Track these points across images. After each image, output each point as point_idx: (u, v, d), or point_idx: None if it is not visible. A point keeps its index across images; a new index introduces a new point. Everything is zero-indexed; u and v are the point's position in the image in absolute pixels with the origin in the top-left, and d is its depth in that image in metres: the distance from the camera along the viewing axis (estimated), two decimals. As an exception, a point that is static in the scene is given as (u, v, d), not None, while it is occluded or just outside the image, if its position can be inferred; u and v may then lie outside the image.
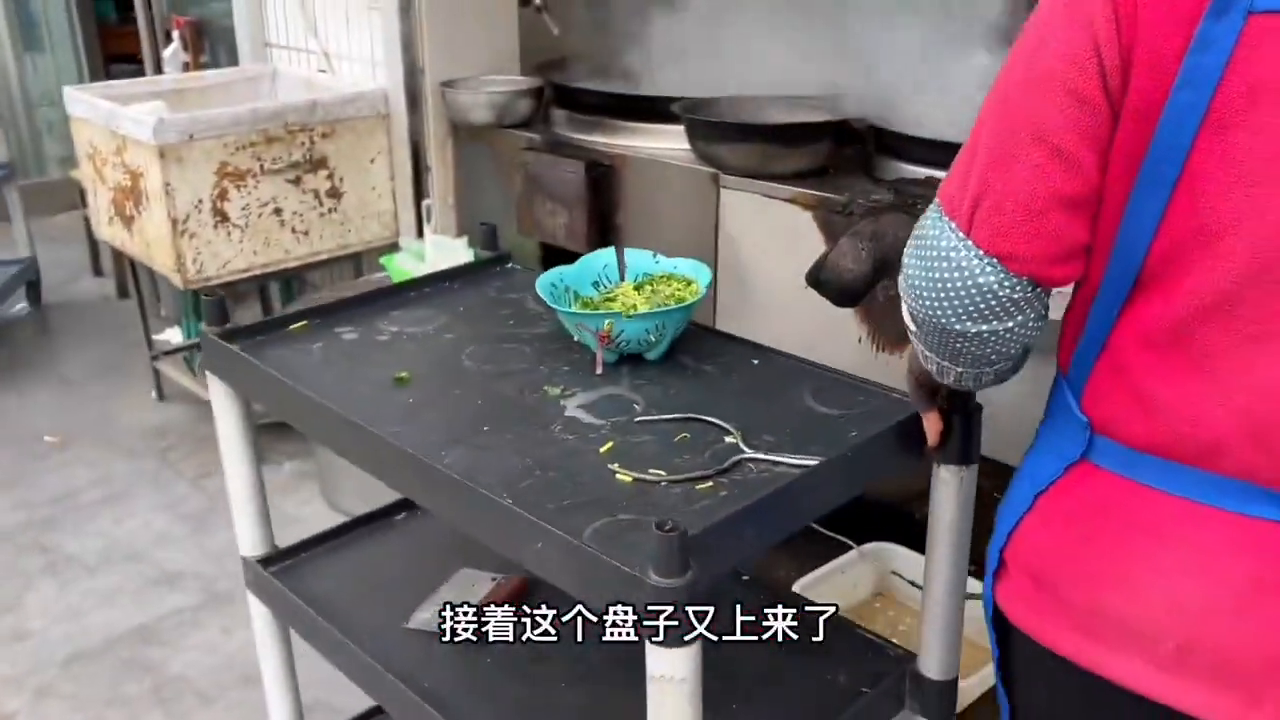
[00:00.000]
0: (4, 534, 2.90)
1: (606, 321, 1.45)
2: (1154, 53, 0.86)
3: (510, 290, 1.79)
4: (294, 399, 1.42)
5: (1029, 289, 0.95)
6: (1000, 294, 0.94)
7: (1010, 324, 0.96)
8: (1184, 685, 0.95)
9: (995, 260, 0.93)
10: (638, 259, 1.69)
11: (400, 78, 3.07)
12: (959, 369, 1.06)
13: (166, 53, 4.24)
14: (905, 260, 1.01)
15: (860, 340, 2.28)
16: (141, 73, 4.53)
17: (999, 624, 1.12)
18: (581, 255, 2.76)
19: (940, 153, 2.24)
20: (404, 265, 2.90)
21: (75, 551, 2.83)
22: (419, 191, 3.19)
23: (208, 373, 1.57)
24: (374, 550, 1.82)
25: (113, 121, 2.91)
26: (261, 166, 2.93)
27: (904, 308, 1.05)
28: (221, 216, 2.89)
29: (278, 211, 3.00)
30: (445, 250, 2.87)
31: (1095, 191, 0.92)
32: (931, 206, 1.00)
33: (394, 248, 3.25)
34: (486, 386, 1.45)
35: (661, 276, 1.67)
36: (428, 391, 1.43)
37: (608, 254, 1.70)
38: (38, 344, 4.14)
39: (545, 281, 1.57)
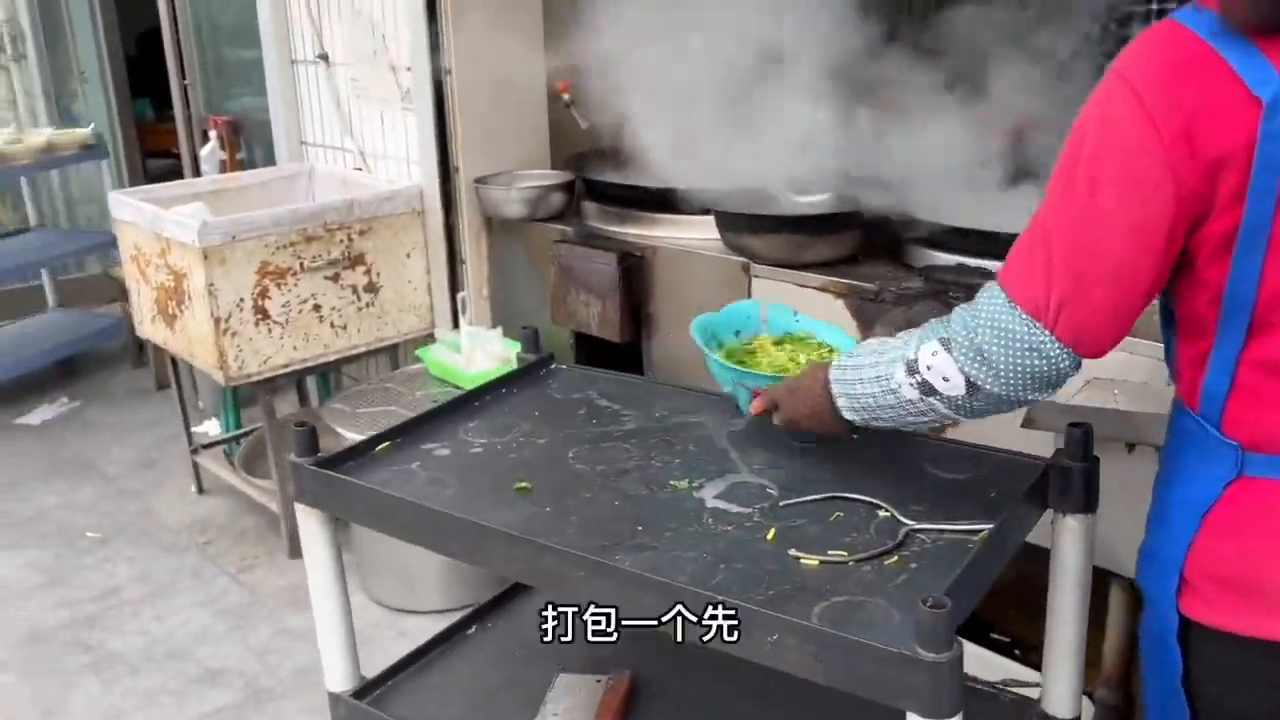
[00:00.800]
0: (48, 632, 2.93)
1: (767, 384, 1.51)
2: (1224, 166, 1.04)
3: (570, 389, 1.84)
4: (424, 520, 1.43)
5: (1078, 364, 1.17)
6: (1071, 373, 1.18)
7: (1063, 386, 1.20)
8: None
9: (1071, 349, 1.15)
10: (779, 314, 1.78)
11: (435, 175, 3.16)
12: (954, 419, 1.29)
13: (204, 151, 4.37)
14: (986, 350, 1.17)
15: (897, 426, 2.29)
16: (177, 166, 4.67)
17: (1185, 636, 1.22)
18: (615, 344, 2.84)
19: (968, 241, 2.29)
20: (440, 356, 2.95)
21: (118, 649, 2.84)
22: (454, 284, 3.26)
23: (300, 505, 1.57)
24: (461, 667, 1.81)
25: (157, 224, 3.00)
26: (301, 264, 3.00)
27: (956, 381, 1.21)
28: (262, 314, 2.96)
29: (317, 307, 3.07)
30: (480, 341, 2.92)
31: (1159, 287, 1.13)
32: (1001, 300, 1.17)
33: (429, 339, 3.30)
34: (612, 487, 1.48)
35: (801, 337, 1.72)
36: (556, 498, 1.46)
37: (751, 305, 1.77)
38: (78, 438, 4.20)
39: (699, 327, 1.67)
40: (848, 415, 1.35)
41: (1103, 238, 1.10)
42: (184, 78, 4.44)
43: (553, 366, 1.95)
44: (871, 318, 2.27)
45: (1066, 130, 1.15)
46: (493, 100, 3.13)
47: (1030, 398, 1.19)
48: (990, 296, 1.19)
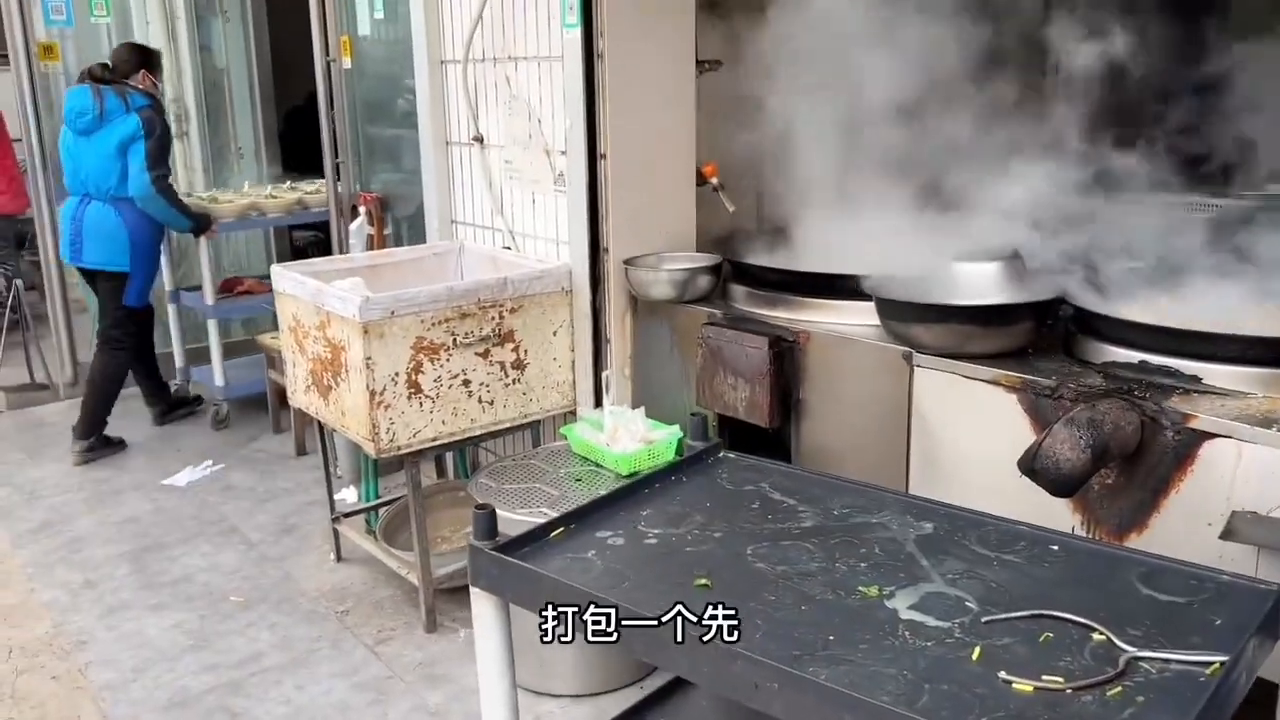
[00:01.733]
0: (194, 697, 2.97)
1: None
2: None
3: (741, 480, 1.81)
4: None
5: None
6: None
7: None
8: None
9: None
10: None
11: (584, 255, 3.19)
12: None
13: (353, 226, 4.52)
14: None
15: (1074, 529, 2.18)
16: (319, 238, 4.86)
17: None
18: (761, 429, 2.79)
19: (1149, 336, 2.19)
20: (584, 435, 2.94)
21: (260, 717, 2.87)
22: (598, 363, 3.27)
23: (475, 588, 1.56)
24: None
25: (319, 298, 3.10)
26: (454, 340, 3.05)
27: None
28: (415, 388, 3.01)
29: (466, 383, 3.11)
30: (623, 420, 2.90)
31: None
32: None
33: (571, 417, 3.31)
34: (796, 590, 1.45)
35: None
36: (739, 598, 1.42)
37: None
38: (222, 501, 4.33)
39: None
40: None
41: None
42: (336, 155, 4.62)
43: (720, 455, 1.91)
44: (1048, 416, 2.17)
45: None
46: (643, 183, 3.16)
47: None
48: None
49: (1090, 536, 2.15)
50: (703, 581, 1.46)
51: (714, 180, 3.30)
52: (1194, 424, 1.98)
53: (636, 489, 1.77)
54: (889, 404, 2.51)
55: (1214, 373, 2.09)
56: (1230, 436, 1.93)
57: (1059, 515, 2.18)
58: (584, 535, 1.62)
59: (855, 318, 2.67)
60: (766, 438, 2.89)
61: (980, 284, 2.51)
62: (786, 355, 2.75)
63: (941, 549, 1.53)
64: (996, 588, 1.41)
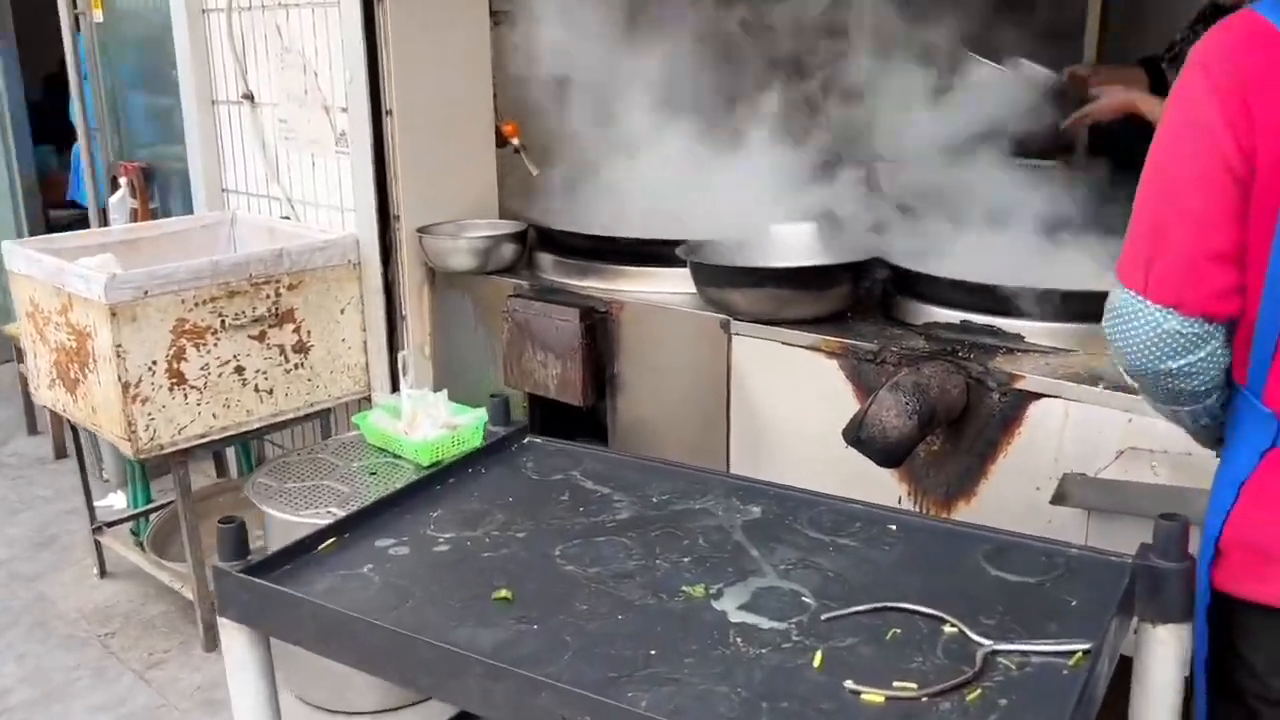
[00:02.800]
0: (-82, 749, 2.53)
1: None
2: (1270, 138, 1.14)
3: (549, 469, 1.59)
4: (380, 644, 1.15)
5: (1204, 324, 1.23)
6: (1184, 332, 1.23)
7: (1202, 354, 1.24)
8: None
9: (1171, 309, 1.22)
10: None
11: (373, 224, 2.89)
12: (1184, 408, 1.31)
13: (113, 199, 4.02)
14: (1108, 335, 1.29)
15: (900, 500, 2.07)
16: (83, 219, 4.31)
17: (1217, 608, 1.24)
18: (576, 408, 2.58)
19: (970, 295, 2.10)
20: (379, 423, 2.65)
21: (2, 767, 2.46)
22: (393, 343, 2.97)
23: (225, 621, 1.27)
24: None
25: (58, 278, 2.67)
26: (223, 323, 2.70)
27: (1125, 377, 1.34)
28: (178, 378, 2.64)
29: (239, 370, 2.76)
30: (423, 405, 2.63)
31: (1238, 245, 1.20)
32: (1113, 290, 1.29)
33: (366, 404, 3.01)
34: (612, 595, 1.23)
35: None
36: (545, 611, 1.20)
37: None
38: (-37, 515, 3.78)
39: None
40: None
41: (1172, 188, 1.22)
42: (91, 123, 4.10)
43: (526, 441, 1.69)
44: (872, 382, 2.06)
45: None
46: (436, 143, 2.88)
47: (1164, 366, 1.25)
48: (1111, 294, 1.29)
49: (923, 512, 2.05)
50: (503, 594, 1.23)
51: (515, 141, 3.05)
52: (1020, 384, 1.89)
53: (427, 486, 1.52)
54: (708, 376, 2.35)
55: (1036, 330, 2.02)
56: (1057, 396, 1.85)
57: (885, 486, 2.07)
58: (361, 545, 1.36)
59: (670, 285, 2.50)
60: (581, 417, 2.68)
61: (797, 246, 2.38)
62: (599, 327, 2.54)
63: (772, 535, 1.36)
64: (834, 577, 1.25)
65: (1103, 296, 1.96)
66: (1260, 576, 1.22)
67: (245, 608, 1.26)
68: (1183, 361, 1.25)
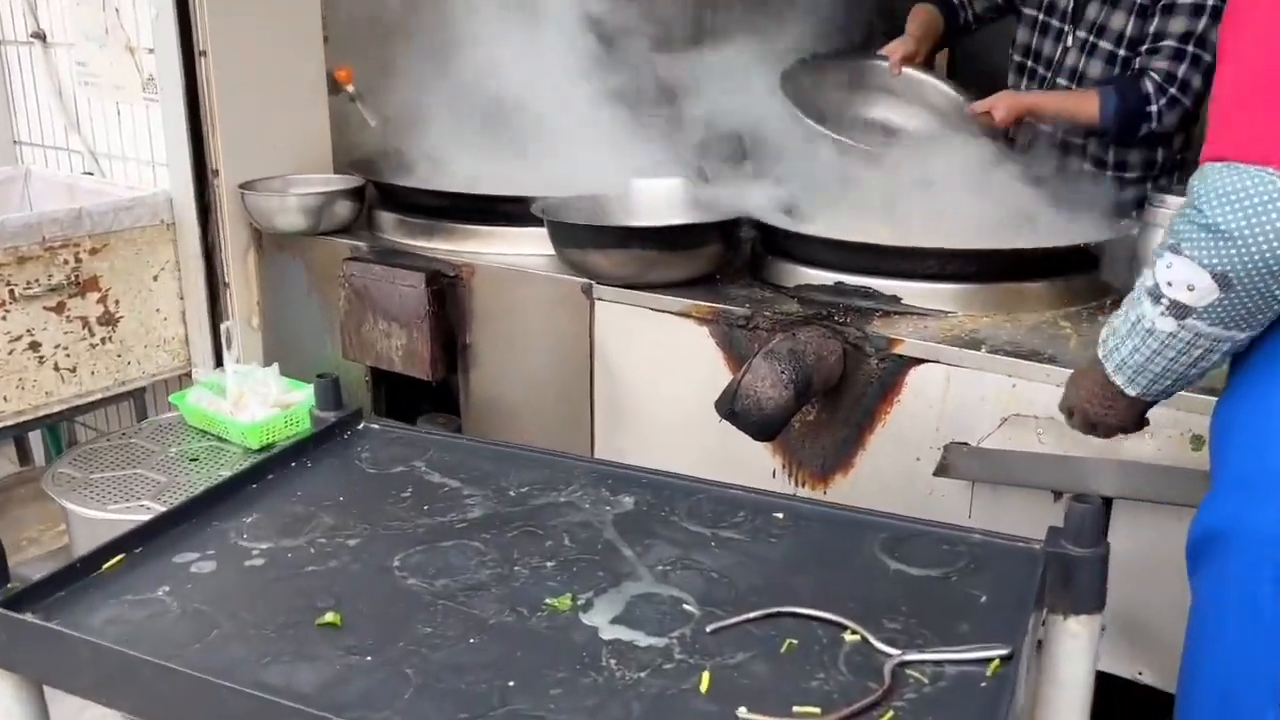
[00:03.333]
0: None
1: None
2: None
3: (388, 460, 1.38)
4: (175, 689, 0.93)
5: None
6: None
7: None
8: None
9: (1266, 167, 1.03)
10: None
11: (188, 179, 2.57)
12: (1240, 335, 1.13)
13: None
14: (1220, 225, 1.06)
15: (775, 474, 1.95)
16: None
17: None
18: (424, 382, 2.37)
19: (844, 254, 1.98)
20: (200, 403, 2.37)
21: None
22: (215, 313, 2.68)
23: None
24: None
25: None
26: (13, 293, 2.35)
27: (1204, 283, 1.10)
28: (-43, 358, 2.29)
29: (34, 346, 2.42)
30: (251, 382, 2.37)
31: None
32: (1216, 172, 1.08)
33: (186, 381, 2.70)
34: (462, 613, 1.04)
35: None
36: (381, 637, 1.00)
37: None
38: None
39: None
40: (1129, 390, 1.26)
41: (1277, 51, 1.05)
42: None
43: (361, 427, 1.47)
44: (744, 350, 1.92)
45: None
46: (259, 88, 2.58)
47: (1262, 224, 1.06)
48: (1202, 178, 1.10)
49: (799, 484, 1.93)
50: (330, 618, 1.03)
51: (350, 88, 2.77)
52: (899, 349, 1.79)
53: (240, 485, 1.29)
54: (569, 345, 2.17)
55: (914, 291, 1.91)
56: (937, 361, 1.75)
57: (759, 460, 1.95)
58: (156, 562, 1.13)
59: (526, 246, 2.30)
60: (431, 392, 2.47)
61: (662, 204, 2.21)
62: (448, 293, 2.33)
63: (647, 530, 1.20)
64: (719, 579, 1.10)
65: (982, 255, 1.91)
66: None
67: (6, 650, 1.02)
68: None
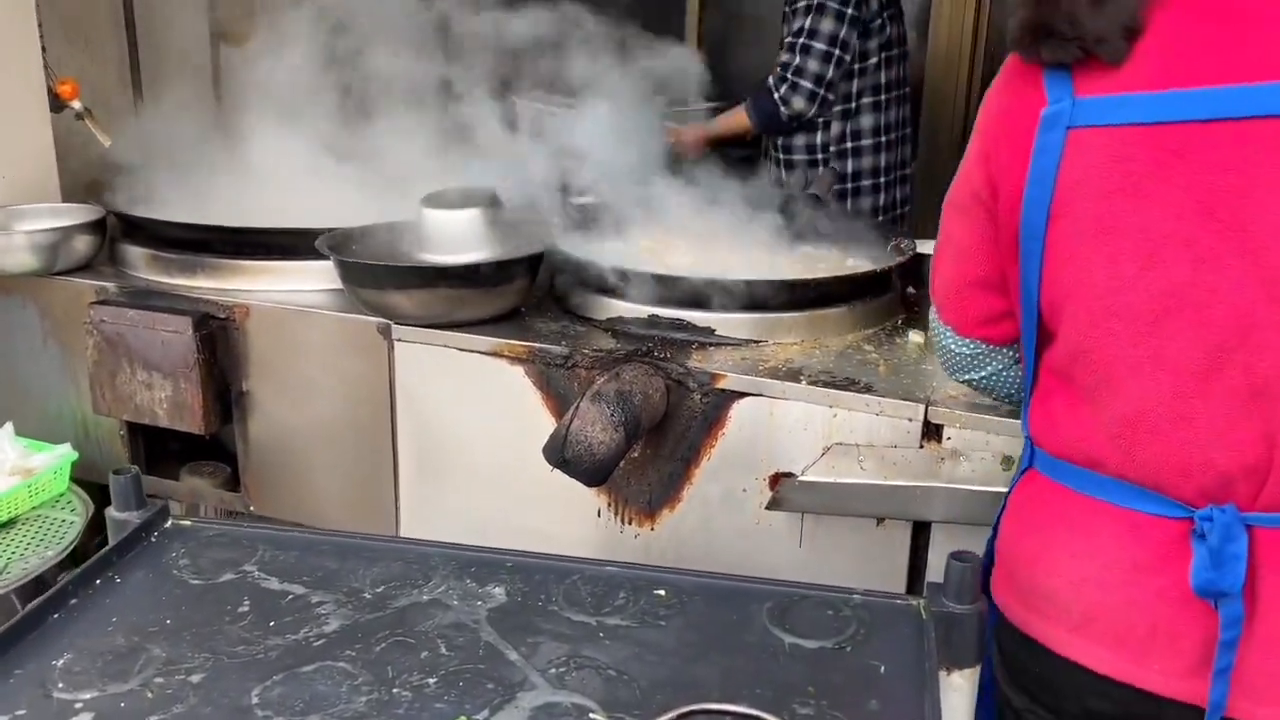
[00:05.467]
0: None
1: None
2: (1009, 173, 1.15)
3: (210, 566, 1.21)
4: None
5: (981, 345, 1.31)
6: (963, 351, 1.33)
7: (987, 371, 1.35)
8: (1087, 646, 1.15)
9: (949, 329, 1.32)
10: None
11: (-120, 215, 2.18)
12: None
13: None
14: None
15: (600, 513, 1.92)
16: None
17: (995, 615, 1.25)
18: (196, 435, 2.14)
19: (658, 287, 1.95)
20: (-86, 481, 2.03)
21: None
22: (-74, 369, 2.30)
23: None
24: None
25: None
26: None
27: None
28: None
29: None
30: (-22, 450, 2.05)
31: (996, 272, 1.22)
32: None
33: (-108, 450, 2.30)
34: None
35: None
36: None
37: None
38: None
39: None
40: None
41: (947, 217, 1.27)
42: None
43: (169, 525, 1.29)
44: (563, 389, 1.86)
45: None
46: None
47: (963, 379, 1.39)
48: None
49: (625, 522, 1.90)
50: (190, 783, 0.89)
51: (76, 104, 2.44)
52: (722, 384, 1.79)
53: (37, 619, 1.09)
54: (365, 390, 2.03)
55: (726, 322, 1.92)
56: (760, 394, 1.77)
57: (583, 500, 1.90)
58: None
59: (307, 282, 2.13)
60: (197, 441, 2.23)
61: (457, 235, 2.08)
62: (219, 337, 2.11)
63: (527, 625, 1.12)
64: (617, 676, 1.05)
65: (782, 286, 1.95)
66: (1005, 587, 1.25)
67: None
68: (976, 375, 1.36)
